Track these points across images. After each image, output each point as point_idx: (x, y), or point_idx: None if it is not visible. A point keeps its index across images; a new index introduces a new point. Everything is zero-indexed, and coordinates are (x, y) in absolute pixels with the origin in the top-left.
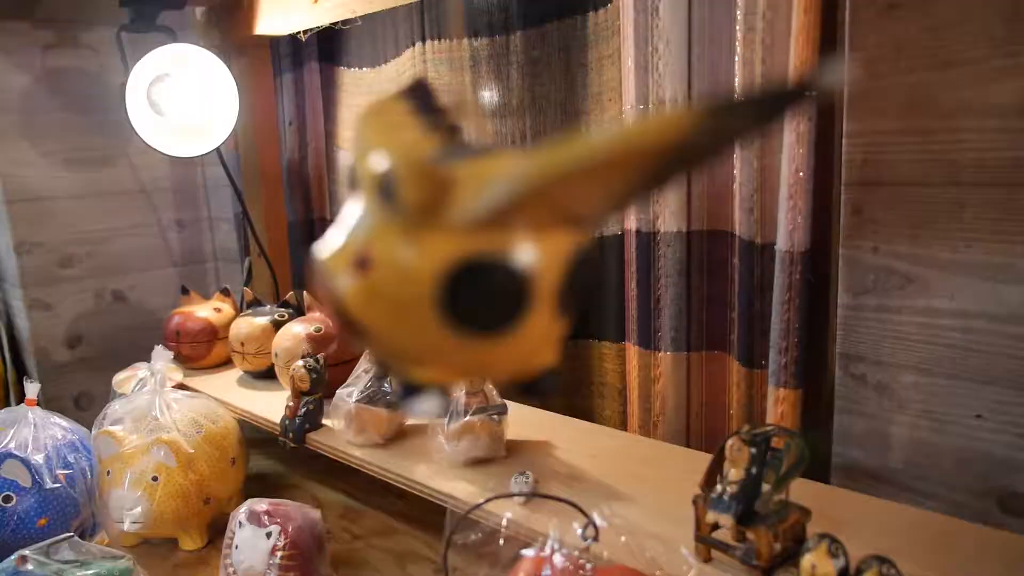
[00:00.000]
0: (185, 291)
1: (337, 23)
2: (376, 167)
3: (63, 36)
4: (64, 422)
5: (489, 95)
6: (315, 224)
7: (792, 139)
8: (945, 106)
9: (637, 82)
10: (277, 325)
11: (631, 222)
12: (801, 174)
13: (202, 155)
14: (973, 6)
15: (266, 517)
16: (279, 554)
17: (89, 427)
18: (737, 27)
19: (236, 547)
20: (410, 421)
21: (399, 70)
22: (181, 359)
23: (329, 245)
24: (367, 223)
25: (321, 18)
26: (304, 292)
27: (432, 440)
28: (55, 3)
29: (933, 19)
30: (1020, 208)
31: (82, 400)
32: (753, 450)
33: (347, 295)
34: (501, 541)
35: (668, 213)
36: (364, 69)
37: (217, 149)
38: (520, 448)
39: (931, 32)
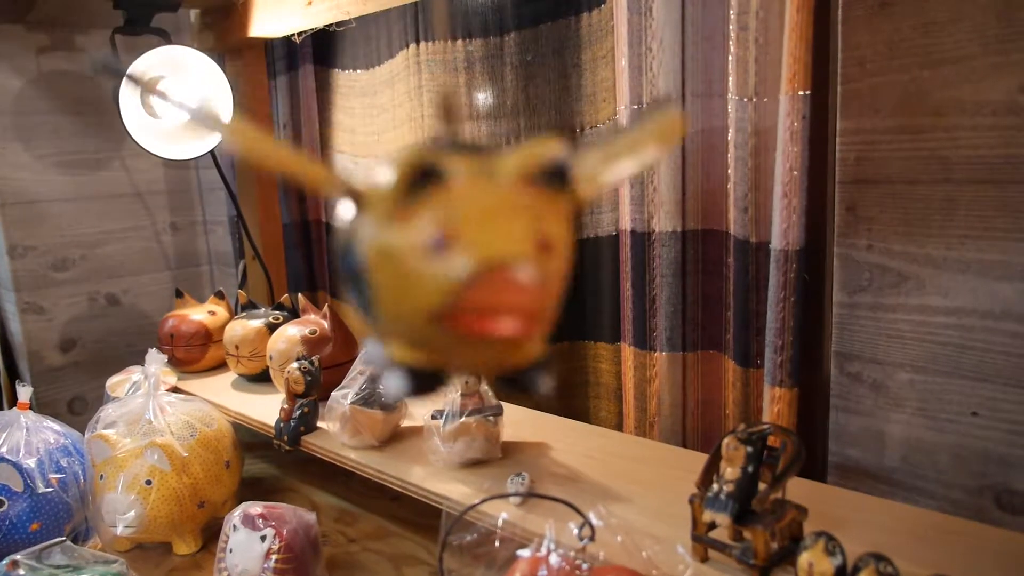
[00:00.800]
0: (179, 294)
1: (331, 25)
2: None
3: (57, 38)
4: (57, 426)
5: (483, 96)
6: (310, 226)
7: (786, 137)
8: (938, 104)
9: (631, 82)
10: (272, 328)
11: (626, 222)
12: (795, 172)
13: (196, 158)
14: (965, 4)
15: (261, 520)
16: (274, 557)
17: (82, 431)
18: (730, 26)
19: (230, 551)
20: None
21: (393, 72)
22: (175, 362)
23: (492, 235)
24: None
25: (315, 20)
26: (299, 295)
27: (427, 442)
28: (49, 5)
29: (925, 17)
30: (1013, 205)
31: (75, 404)
32: (749, 449)
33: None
34: (497, 542)
35: (663, 213)
36: (358, 71)
37: (211, 152)
38: (516, 449)
39: (923, 30)
